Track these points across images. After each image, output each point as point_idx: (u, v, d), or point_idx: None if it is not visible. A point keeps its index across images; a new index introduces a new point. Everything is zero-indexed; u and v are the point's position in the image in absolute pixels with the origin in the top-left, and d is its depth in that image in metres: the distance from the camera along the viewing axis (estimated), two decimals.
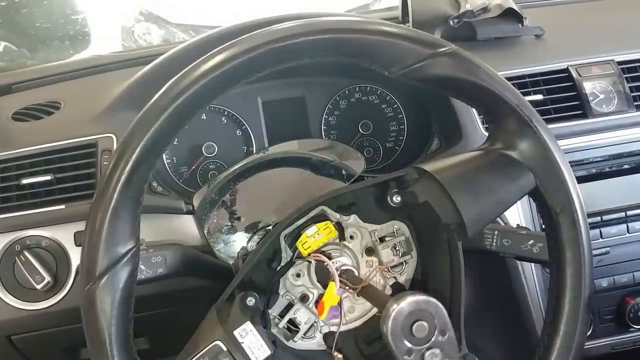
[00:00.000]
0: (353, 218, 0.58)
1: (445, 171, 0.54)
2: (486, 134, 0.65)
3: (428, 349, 0.41)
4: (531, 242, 0.63)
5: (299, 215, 0.57)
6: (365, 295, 0.56)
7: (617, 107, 0.84)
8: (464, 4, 0.94)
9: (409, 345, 0.40)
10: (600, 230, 0.83)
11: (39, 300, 0.73)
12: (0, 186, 0.75)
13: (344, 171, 0.76)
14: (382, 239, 0.59)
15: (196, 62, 0.49)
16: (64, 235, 0.74)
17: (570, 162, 0.55)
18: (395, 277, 0.60)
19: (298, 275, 0.58)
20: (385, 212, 0.58)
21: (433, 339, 0.41)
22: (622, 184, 0.85)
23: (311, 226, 0.56)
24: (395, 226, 0.59)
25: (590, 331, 0.89)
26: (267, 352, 0.52)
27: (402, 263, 0.60)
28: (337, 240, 0.58)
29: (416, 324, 0.41)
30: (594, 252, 0.56)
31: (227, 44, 0.49)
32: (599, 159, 0.85)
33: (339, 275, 0.55)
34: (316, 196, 0.57)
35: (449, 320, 0.42)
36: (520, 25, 0.94)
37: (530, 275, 0.81)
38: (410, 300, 0.41)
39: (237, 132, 0.90)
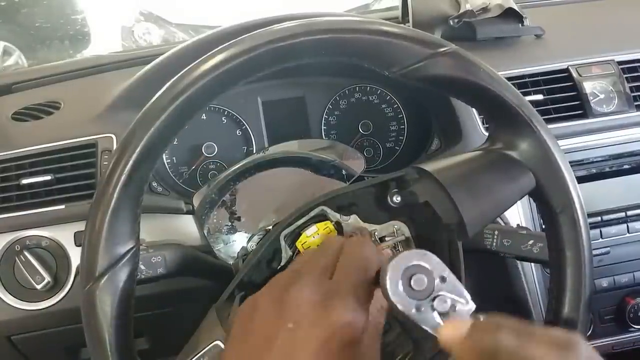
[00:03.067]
0: (353, 218, 0.58)
1: (445, 171, 0.54)
2: (486, 134, 0.65)
3: (434, 298, 0.40)
4: (531, 242, 0.63)
5: (298, 216, 0.57)
6: None
7: (617, 107, 0.84)
8: (464, 3, 0.94)
9: (415, 301, 0.39)
10: (600, 230, 0.83)
11: (39, 300, 0.73)
12: (0, 186, 0.75)
13: (344, 171, 0.76)
14: (382, 239, 0.59)
15: (196, 62, 0.49)
16: (64, 235, 0.74)
17: (570, 162, 0.55)
18: None
19: None
20: (385, 212, 0.58)
21: (435, 287, 0.40)
22: (622, 184, 0.85)
23: (311, 226, 0.56)
24: (396, 226, 0.59)
25: (590, 331, 0.89)
26: None
27: None
28: None
29: (413, 278, 0.40)
30: (594, 252, 0.56)
31: (227, 43, 0.49)
32: (599, 159, 0.85)
33: None
34: (316, 196, 0.57)
35: (445, 266, 0.41)
36: (520, 25, 0.94)
37: (530, 275, 0.81)
38: (397, 260, 0.40)
39: (237, 132, 0.90)
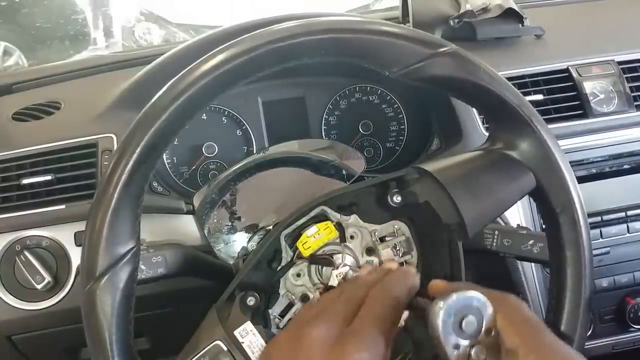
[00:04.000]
0: (353, 218, 0.58)
1: (445, 171, 0.54)
2: (486, 134, 0.65)
3: (473, 345, 0.40)
4: (531, 242, 0.63)
5: (299, 216, 0.57)
6: None
7: (617, 107, 0.84)
8: (464, 4, 0.95)
9: (455, 338, 0.40)
10: (600, 230, 0.83)
11: (40, 300, 0.73)
12: (0, 186, 0.75)
13: (344, 171, 0.76)
14: (382, 239, 0.59)
15: (197, 62, 0.49)
16: (65, 235, 0.74)
17: (570, 162, 0.55)
18: None
19: (298, 275, 0.58)
20: (386, 212, 0.58)
21: (480, 336, 0.40)
22: (622, 184, 0.85)
23: (311, 226, 0.56)
24: (396, 226, 0.59)
25: (590, 331, 0.89)
26: None
27: (402, 263, 0.60)
28: (338, 241, 0.58)
29: (466, 319, 0.40)
30: (594, 252, 0.56)
31: (227, 43, 0.49)
32: (599, 159, 0.85)
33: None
34: (316, 196, 0.57)
35: (496, 320, 0.41)
36: (520, 25, 0.94)
37: (531, 275, 0.81)
38: (458, 296, 0.41)
39: (237, 132, 0.90)
